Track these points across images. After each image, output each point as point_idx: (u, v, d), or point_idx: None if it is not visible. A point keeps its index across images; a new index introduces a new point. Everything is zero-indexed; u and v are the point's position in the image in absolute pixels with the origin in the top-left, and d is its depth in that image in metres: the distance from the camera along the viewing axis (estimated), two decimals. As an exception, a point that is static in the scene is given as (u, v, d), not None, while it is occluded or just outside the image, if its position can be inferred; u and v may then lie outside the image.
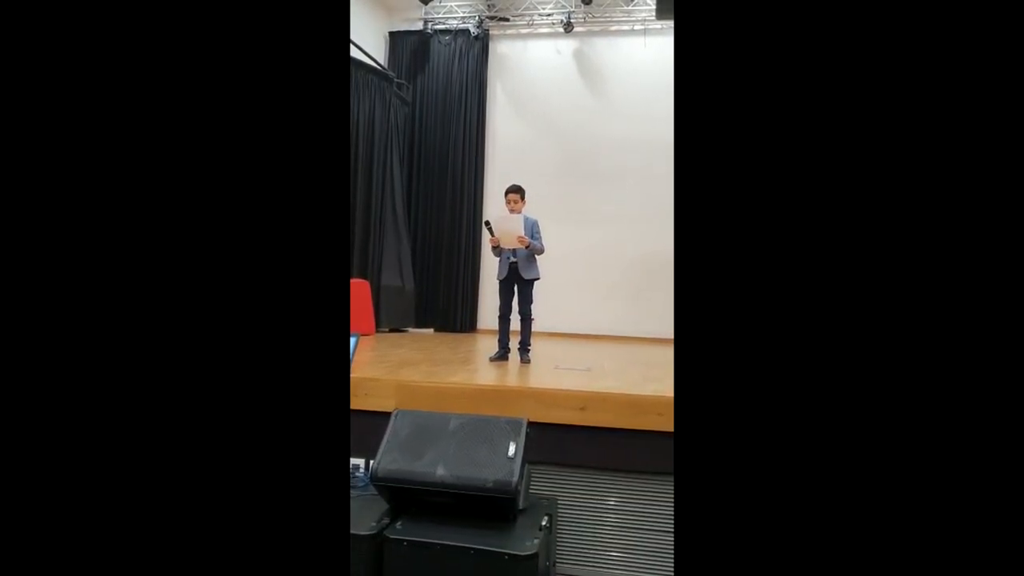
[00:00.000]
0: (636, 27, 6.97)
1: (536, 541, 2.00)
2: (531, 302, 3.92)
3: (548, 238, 3.97)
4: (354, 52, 5.92)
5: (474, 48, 7.22)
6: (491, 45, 7.34)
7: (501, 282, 3.92)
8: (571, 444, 2.64)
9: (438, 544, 1.99)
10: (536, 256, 3.88)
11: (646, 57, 6.95)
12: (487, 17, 7.20)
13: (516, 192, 3.89)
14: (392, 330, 6.54)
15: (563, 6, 6.99)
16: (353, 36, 5.50)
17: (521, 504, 2.18)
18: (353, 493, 2.35)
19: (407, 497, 2.21)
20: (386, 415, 2.42)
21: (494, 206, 6.87)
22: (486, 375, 3.40)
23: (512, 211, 3.84)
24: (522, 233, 3.70)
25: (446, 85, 7.29)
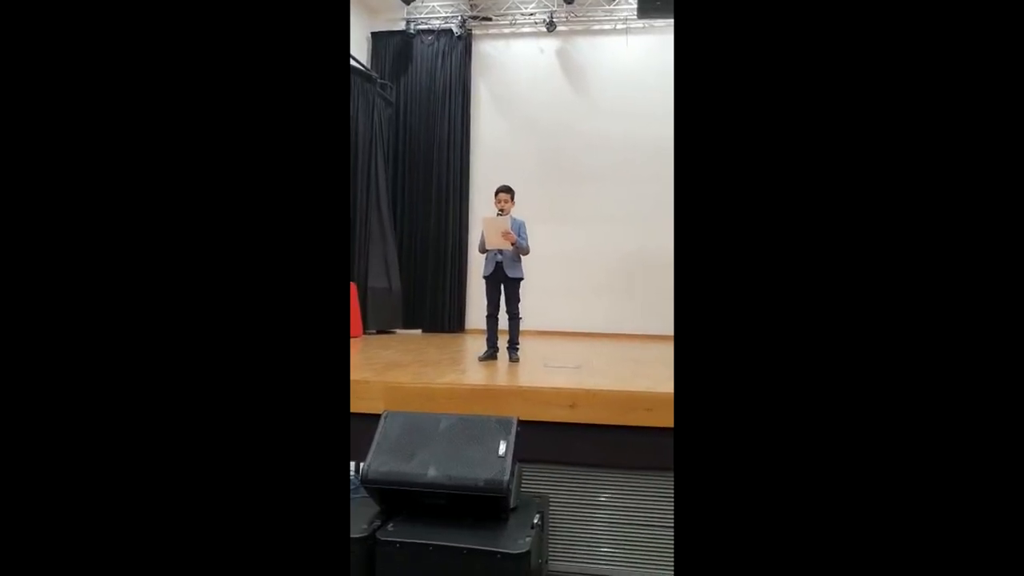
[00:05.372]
0: (618, 26, 7.00)
1: (528, 539, 2.01)
2: (518, 301, 3.92)
3: (534, 237, 3.98)
4: (336, 53, 5.88)
5: (457, 48, 7.21)
6: (474, 45, 7.33)
7: (487, 280, 3.93)
8: (561, 441, 2.64)
9: (430, 545, 1.99)
10: (522, 256, 3.89)
11: (628, 56, 6.98)
12: (469, 17, 7.19)
13: (506, 192, 3.89)
14: (380, 332, 6.51)
15: (545, 5, 6.99)
16: (335, 37, 5.47)
17: (512, 503, 2.19)
18: (344, 496, 2.34)
19: (398, 498, 2.20)
20: (375, 417, 2.41)
21: (480, 205, 6.86)
22: (475, 375, 3.40)
23: (502, 211, 3.84)
24: (508, 229, 3.71)
25: (429, 85, 7.26)
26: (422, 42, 7.29)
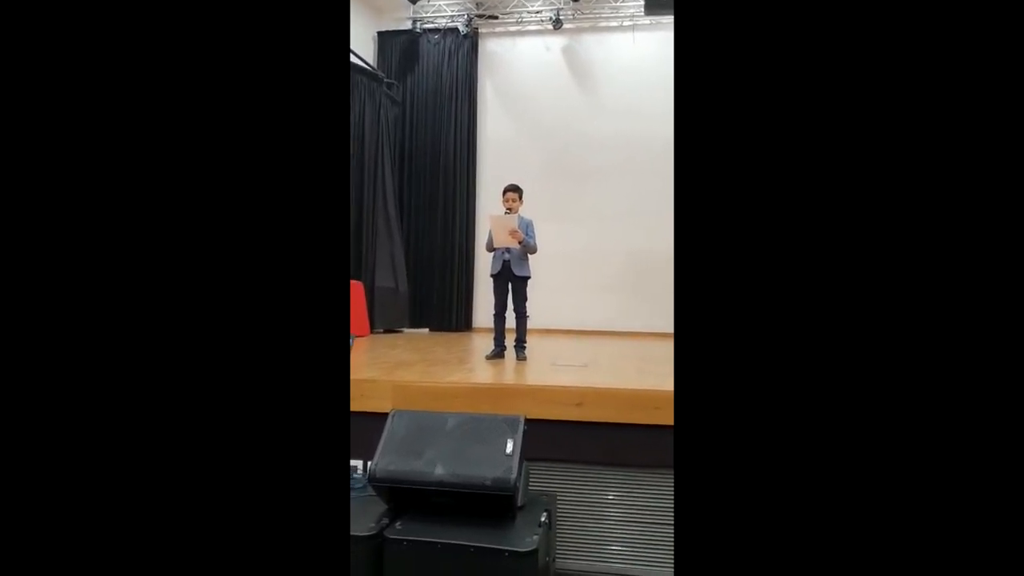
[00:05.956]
0: (625, 23, 6.98)
1: (536, 537, 2.01)
2: (526, 299, 3.93)
3: (542, 235, 3.98)
4: (343, 53, 5.90)
5: (463, 47, 7.21)
6: (480, 43, 7.33)
7: (495, 279, 3.93)
8: (569, 440, 2.64)
9: (438, 543, 2.00)
10: (529, 255, 3.89)
11: (635, 53, 6.96)
12: (476, 15, 7.19)
13: (514, 191, 3.89)
14: (387, 331, 6.53)
15: (552, 3, 6.98)
16: (342, 37, 5.48)
17: (520, 501, 2.19)
18: (352, 494, 2.36)
19: (406, 497, 2.21)
20: (383, 416, 2.42)
21: (486, 204, 6.87)
22: (483, 374, 3.40)
23: (509, 210, 3.85)
24: (516, 227, 3.71)
25: (436, 84, 7.27)
26: (428, 41, 7.30)
